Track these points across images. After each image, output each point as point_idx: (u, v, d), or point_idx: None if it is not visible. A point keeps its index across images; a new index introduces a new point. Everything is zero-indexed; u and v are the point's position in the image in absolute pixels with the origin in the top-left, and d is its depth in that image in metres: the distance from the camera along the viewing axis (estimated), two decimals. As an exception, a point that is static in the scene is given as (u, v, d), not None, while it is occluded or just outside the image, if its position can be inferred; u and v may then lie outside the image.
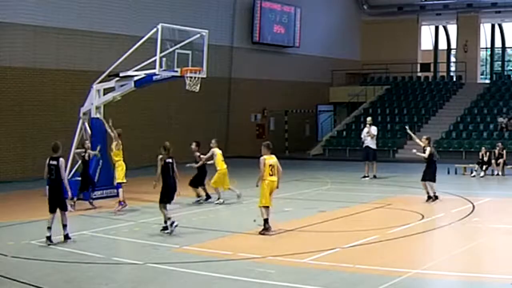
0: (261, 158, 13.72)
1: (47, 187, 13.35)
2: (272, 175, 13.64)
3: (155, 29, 18.54)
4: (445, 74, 43.23)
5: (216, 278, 10.23)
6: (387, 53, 41.03)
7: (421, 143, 18.42)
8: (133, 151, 21.88)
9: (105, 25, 27.06)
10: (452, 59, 45.37)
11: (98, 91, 19.96)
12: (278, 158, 14.03)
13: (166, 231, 13.81)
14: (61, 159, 12.85)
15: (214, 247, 12.51)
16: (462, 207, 16.90)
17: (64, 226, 12.95)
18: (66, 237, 12.96)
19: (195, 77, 19.03)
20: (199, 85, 19.09)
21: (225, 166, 18.15)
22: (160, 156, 13.94)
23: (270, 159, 13.74)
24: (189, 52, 19.29)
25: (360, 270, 10.60)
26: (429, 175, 17.95)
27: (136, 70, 19.32)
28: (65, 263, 11.32)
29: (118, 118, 25.15)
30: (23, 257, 11.74)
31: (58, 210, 12.88)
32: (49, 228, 12.73)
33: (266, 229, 13.66)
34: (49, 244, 12.62)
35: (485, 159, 25.04)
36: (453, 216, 15.68)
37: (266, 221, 13.66)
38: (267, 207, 13.66)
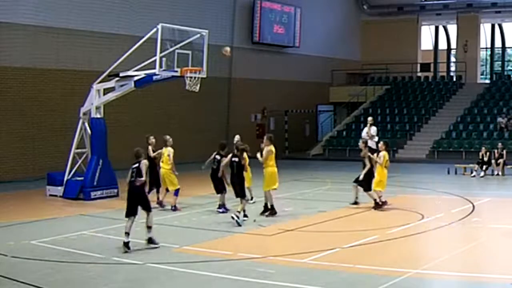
0: (272, 148, 15.85)
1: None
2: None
3: (155, 29, 18.51)
4: (445, 74, 43.18)
5: (216, 278, 10.23)
6: (387, 53, 41.01)
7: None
8: (132, 150, 21.77)
9: (105, 25, 27.04)
10: (452, 59, 45.37)
11: (98, 91, 19.95)
12: (277, 158, 16.23)
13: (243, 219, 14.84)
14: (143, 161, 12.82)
15: (214, 247, 12.52)
16: (462, 207, 16.90)
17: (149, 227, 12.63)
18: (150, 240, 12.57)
19: (195, 77, 19.00)
20: (199, 85, 19.07)
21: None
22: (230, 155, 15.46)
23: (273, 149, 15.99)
24: (189, 52, 19.26)
25: (360, 270, 10.60)
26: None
27: (136, 70, 19.31)
28: (65, 263, 11.33)
29: (118, 118, 25.35)
30: (23, 257, 11.74)
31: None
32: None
33: (271, 212, 15.80)
34: (125, 251, 12.14)
35: (485, 159, 25.04)
36: (453, 216, 15.69)
37: (272, 207, 15.83)
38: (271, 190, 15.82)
